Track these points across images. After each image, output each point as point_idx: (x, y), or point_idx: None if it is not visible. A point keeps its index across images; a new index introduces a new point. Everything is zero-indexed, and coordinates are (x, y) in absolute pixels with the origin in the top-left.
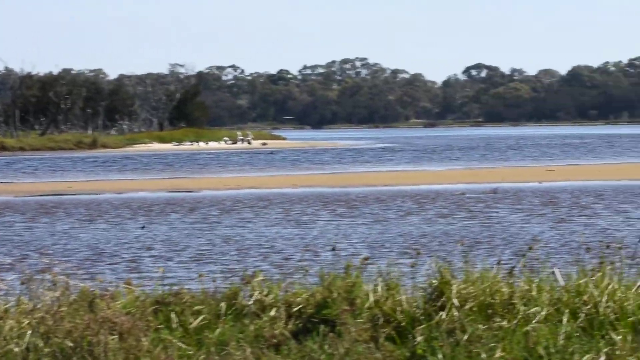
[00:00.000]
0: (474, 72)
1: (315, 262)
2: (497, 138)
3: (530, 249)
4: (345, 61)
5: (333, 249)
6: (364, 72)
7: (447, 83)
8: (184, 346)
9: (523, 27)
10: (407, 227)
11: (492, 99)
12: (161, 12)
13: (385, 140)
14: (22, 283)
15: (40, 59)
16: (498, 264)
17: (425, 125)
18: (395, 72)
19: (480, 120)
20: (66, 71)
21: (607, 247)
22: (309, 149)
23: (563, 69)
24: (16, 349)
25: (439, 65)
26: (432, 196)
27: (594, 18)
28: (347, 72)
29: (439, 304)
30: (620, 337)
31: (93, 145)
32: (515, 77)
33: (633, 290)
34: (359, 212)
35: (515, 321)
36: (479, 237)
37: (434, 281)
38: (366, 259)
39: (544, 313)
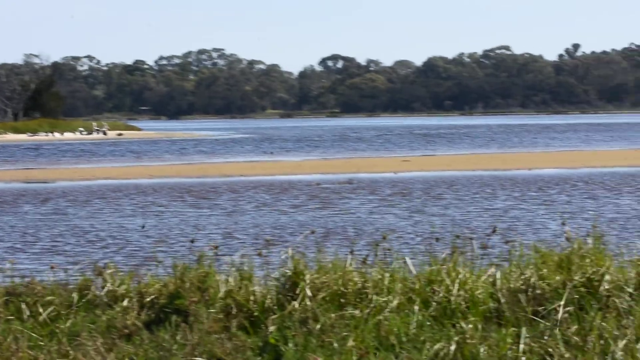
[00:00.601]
0: (330, 63)
1: (169, 253)
2: (353, 129)
3: (383, 238)
4: (201, 52)
5: (192, 242)
6: (220, 62)
7: (303, 74)
8: (35, 337)
9: (379, 19)
10: (261, 218)
11: (348, 89)
12: (15, 1)
13: (242, 130)
14: None
15: None
16: (351, 253)
17: (282, 115)
18: (251, 62)
19: (336, 110)
20: None
21: (458, 237)
22: (165, 139)
23: (418, 60)
24: None
25: (295, 56)
26: (288, 187)
27: (448, 9)
28: (204, 62)
29: (292, 293)
30: (470, 325)
31: None
32: (371, 68)
33: (482, 279)
34: (214, 203)
35: (367, 310)
36: (333, 227)
37: (286, 271)
38: (216, 247)
39: (396, 302)
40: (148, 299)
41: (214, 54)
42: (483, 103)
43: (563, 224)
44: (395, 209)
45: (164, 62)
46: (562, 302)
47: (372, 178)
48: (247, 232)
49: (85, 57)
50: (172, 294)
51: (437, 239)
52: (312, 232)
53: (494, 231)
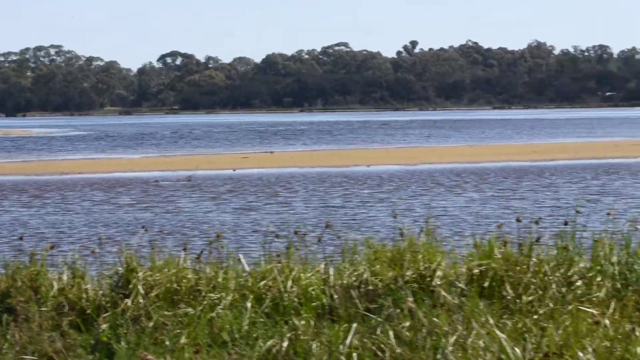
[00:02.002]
0: (169, 60)
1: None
2: (193, 125)
3: (218, 236)
4: (39, 48)
5: (20, 238)
6: (58, 59)
7: (142, 71)
8: None
9: (217, 15)
10: (97, 216)
11: (187, 86)
12: None
13: (80, 127)
14: None
15: None
16: (184, 250)
17: (121, 112)
18: (90, 59)
19: (175, 107)
20: None
21: (297, 233)
22: (2, 136)
23: (257, 57)
24: None
25: (134, 53)
26: (125, 184)
27: (287, 6)
28: (42, 59)
29: (125, 291)
30: (303, 322)
31: None
32: (210, 65)
33: (316, 275)
34: (45, 202)
35: (200, 307)
36: (169, 224)
37: (119, 269)
38: (52, 247)
39: (229, 299)
40: None
41: (52, 51)
42: (322, 99)
43: (394, 217)
44: (231, 206)
45: (1, 58)
46: (395, 299)
47: (212, 175)
48: (82, 230)
49: None
50: (3, 292)
51: (276, 236)
52: (146, 230)
53: (327, 227)
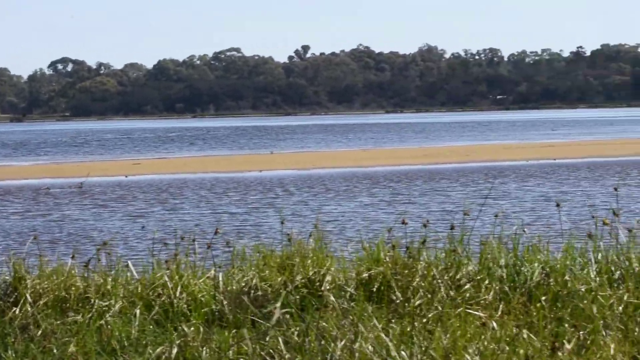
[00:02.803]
0: (60, 67)
1: None
2: (84, 132)
3: (105, 243)
4: None
5: None
6: None
7: (33, 77)
8: None
9: (108, 21)
10: None
11: (78, 93)
12: None
13: None
14: None
15: None
16: (72, 258)
17: (12, 119)
18: None
19: (67, 114)
20: None
21: (183, 238)
22: None
23: (149, 63)
24: None
25: (24, 59)
26: (15, 192)
27: (178, 12)
28: None
29: (12, 299)
30: (192, 328)
31: None
32: (101, 71)
33: (201, 280)
34: None
35: (89, 315)
36: (59, 232)
37: (7, 277)
38: None
39: (118, 306)
40: None
41: None
42: (215, 105)
43: (282, 222)
44: (122, 212)
45: None
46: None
47: (103, 182)
48: None
49: None
50: None
51: (164, 243)
52: (35, 238)
53: (216, 233)
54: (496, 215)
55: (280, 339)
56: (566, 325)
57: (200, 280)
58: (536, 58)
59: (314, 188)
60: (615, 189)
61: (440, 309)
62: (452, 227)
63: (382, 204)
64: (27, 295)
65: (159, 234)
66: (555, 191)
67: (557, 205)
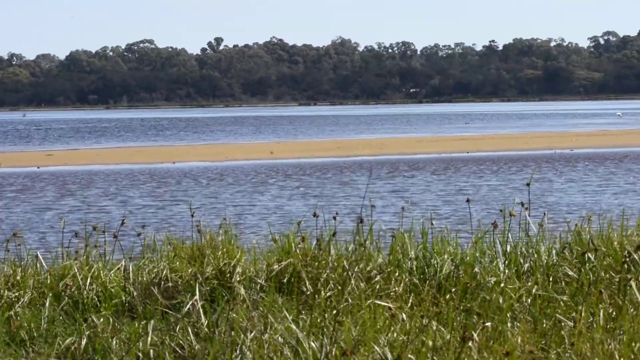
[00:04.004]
0: None
1: None
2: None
3: (14, 234)
4: None
5: None
6: None
7: None
8: None
9: (19, 12)
10: None
11: None
12: None
13: None
14: None
15: None
16: None
17: None
18: None
19: None
20: None
21: (94, 228)
22: None
23: (62, 54)
24: None
25: None
26: None
27: (91, 2)
28: None
29: None
30: (102, 319)
31: None
32: (13, 62)
33: (115, 272)
34: None
35: None
36: None
37: None
38: None
39: (27, 297)
40: None
41: None
42: (128, 97)
43: (192, 215)
44: (33, 204)
45: None
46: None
47: (15, 172)
48: None
49: None
50: None
51: (75, 234)
52: None
53: (122, 223)
54: (403, 208)
55: (190, 330)
56: (475, 316)
57: (111, 272)
58: (449, 52)
59: (225, 180)
60: (528, 184)
61: (351, 300)
62: (361, 220)
63: (293, 196)
64: None
65: (70, 225)
66: (466, 184)
67: (467, 201)
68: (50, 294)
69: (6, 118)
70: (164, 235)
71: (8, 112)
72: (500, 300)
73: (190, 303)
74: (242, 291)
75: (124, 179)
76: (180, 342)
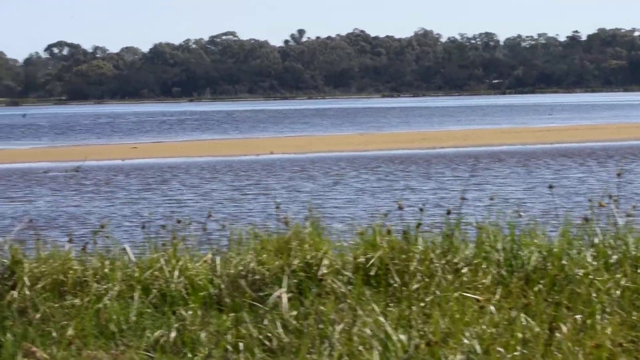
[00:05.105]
0: (55, 50)
1: None
2: (83, 115)
3: (102, 226)
4: None
5: None
6: None
7: (28, 61)
8: None
9: (103, 4)
10: None
11: (74, 76)
12: None
13: None
14: None
15: None
16: (70, 242)
17: (8, 104)
18: None
19: (64, 98)
20: None
21: (179, 221)
22: None
23: (145, 47)
24: None
25: (20, 43)
26: (12, 176)
27: None
28: None
29: (10, 283)
30: (190, 312)
31: None
32: (97, 55)
33: (202, 265)
34: None
35: (87, 299)
36: (55, 216)
37: (4, 261)
38: None
39: (116, 290)
40: None
41: None
42: (211, 89)
43: (277, 207)
44: (119, 196)
45: None
46: (283, 289)
47: (101, 165)
48: None
49: None
50: None
51: (162, 226)
52: (31, 221)
53: (209, 216)
54: (492, 198)
55: (278, 323)
56: (564, 309)
57: (198, 264)
58: (532, 42)
59: (308, 172)
60: (618, 175)
61: (438, 293)
62: (448, 212)
63: (377, 188)
64: (25, 279)
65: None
66: (551, 175)
67: (550, 187)
68: (139, 287)
69: (90, 111)
70: (249, 227)
71: (93, 105)
72: (593, 294)
73: (275, 295)
74: (331, 283)
75: (207, 171)
76: (269, 334)
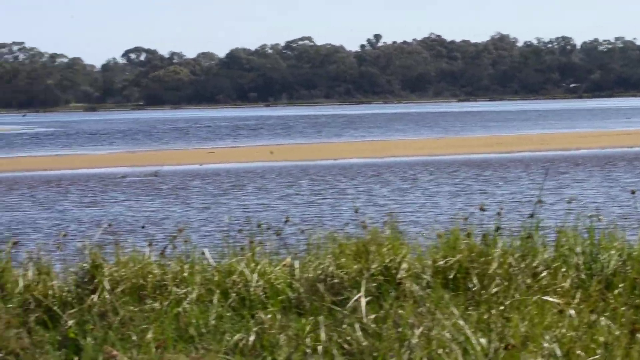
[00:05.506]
0: (133, 56)
1: None
2: (160, 121)
3: (180, 230)
4: (1, 45)
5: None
6: (21, 56)
7: (106, 67)
8: None
9: (180, 10)
10: (62, 212)
11: (151, 82)
12: None
13: (45, 124)
14: None
15: None
16: (149, 246)
17: (86, 109)
18: (53, 56)
19: (141, 103)
20: None
21: (260, 226)
22: None
23: (221, 52)
24: None
25: (97, 49)
26: (89, 180)
27: (248, 1)
28: (4, 56)
29: (90, 287)
30: (269, 315)
31: None
32: (174, 61)
33: (281, 268)
34: (11, 199)
35: (166, 302)
36: (134, 219)
37: (85, 265)
38: (15, 243)
39: (195, 294)
40: None
41: (15, 48)
42: (287, 94)
43: (356, 211)
44: (196, 200)
45: None
46: (362, 292)
47: (178, 170)
48: (47, 226)
49: None
50: None
51: (239, 230)
52: (110, 226)
53: (286, 221)
54: (569, 202)
55: (357, 326)
56: None
57: (276, 268)
58: (609, 46)
59: (384, 176)
60: None
61: (518, 296)
62: (531, 215)
63: (453, 192)
64: (105, 283)
65: (232, 222)
66: (631, 179)
67: (632, 192)
68: (218, 291)
69: (167, 116)
70: (327, 231)
71: (169, 111)
72: None
73: (355, 299)
74: (410, 286)
75: (283, 176)
76: (348, 338)
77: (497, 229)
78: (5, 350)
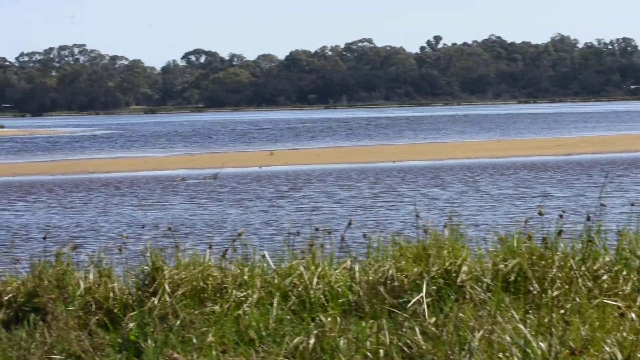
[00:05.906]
0: (193, 58)
1: (26, 250)
2: (220, 123)
3: (239, 234)
4: (63, 48)
5: (44, 238)
6: (82, 58)
7: (166, 69)
8: None
9: (240, 13)
10: (123, 214)
11: (212, 84)
12: None
13: (105, 127)
14: None
15: None
16: (210, 249)
17: (146, 111)
18: (114, 58)
19: (200, 105)
20: None
21: (317, 229)
22: (28, 136)
23: (281, 54)
24: None
25: (157, 51)
26: (152, 183)
27: (310, 2)
28: (66, 58)
29: (151, 290)
30: (330, 318)
31: None
32: (234, 63)
33: (337, 271)
34: (71, 201)
35: (227, 305)
36: (194, 222)
37: (145, 267)
38: (75, 247)
39: (255, 297)
40: (6, 298)
41: (76, 50)
42: (347, 96)
43: (417, 216)
44: (257, 203)
45: (26, 58)
46: (422, 294)
47: (238, 173)
48: (108, 228)
49: None
50: (30, 292)
51: (297, 233)
52: (170, 229)
53: (349, 224)
54: (632, 204)
55: (417, 330)
56: None
57: (336, 271)
58: None
59: (442, 178)
60: None
61: (578, 300)
62: (588, 218)
63: (514, 195)
64: (166, 285)
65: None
66: None
67: None
68: (278, 294)
69: (227, 118)
70: (387, 234)
71: (229, 113)
72: None
73: (414, 301)
74: (470, 290)
75: (342, 178)
76: (408, 341)
77: (559, 232)
78: (67, 352)
